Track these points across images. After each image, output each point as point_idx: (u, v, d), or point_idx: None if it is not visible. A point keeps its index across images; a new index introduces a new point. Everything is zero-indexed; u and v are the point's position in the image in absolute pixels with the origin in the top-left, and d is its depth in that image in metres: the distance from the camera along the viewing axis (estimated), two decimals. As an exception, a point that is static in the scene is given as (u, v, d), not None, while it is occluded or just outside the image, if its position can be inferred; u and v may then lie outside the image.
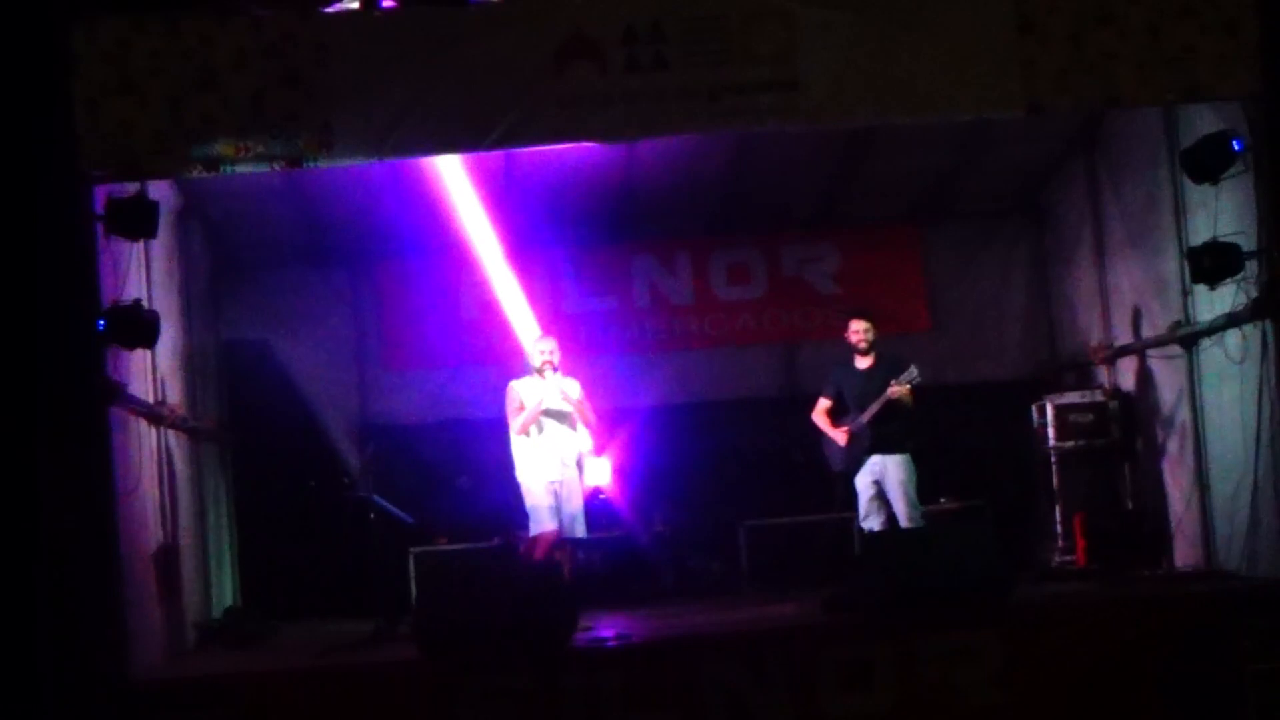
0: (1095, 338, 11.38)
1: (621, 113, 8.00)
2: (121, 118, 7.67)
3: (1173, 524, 10.08)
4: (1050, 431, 10.94)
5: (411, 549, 10.76)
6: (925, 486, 9.73)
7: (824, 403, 9.89)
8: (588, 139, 8.26)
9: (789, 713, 7.66)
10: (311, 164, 8.01)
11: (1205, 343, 9.30)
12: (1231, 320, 8.72)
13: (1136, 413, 10.74)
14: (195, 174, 8.09)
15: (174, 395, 9.77)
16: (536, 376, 9.37)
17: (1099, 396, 10.97)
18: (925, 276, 12.42)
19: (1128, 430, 10.79)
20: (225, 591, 11.23)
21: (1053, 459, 10.98)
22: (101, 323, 7.84)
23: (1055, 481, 10.95)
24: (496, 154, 9.25)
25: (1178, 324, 9.67)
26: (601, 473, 10.99)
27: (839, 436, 9.71)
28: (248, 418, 11.71)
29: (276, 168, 8.04)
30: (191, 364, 10.48)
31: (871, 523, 9.63)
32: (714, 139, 10.02)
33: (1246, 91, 8.08)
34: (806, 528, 11.24)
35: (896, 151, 10.83)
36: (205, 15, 7.82)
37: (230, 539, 11.56)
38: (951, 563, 8.14)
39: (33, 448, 7.36)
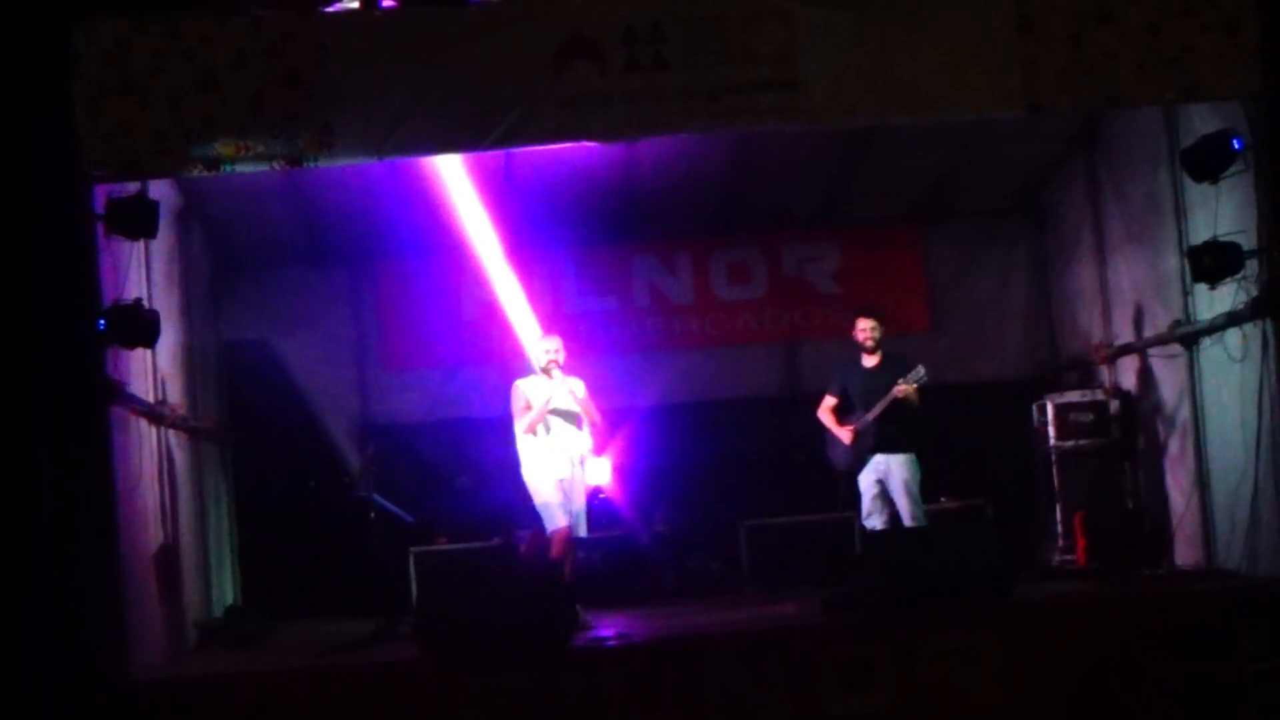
0: (1096, 337, 11.38)
1: (621, 112, 8.00)
2: (122, 118, 7.68)
3: (1173, 523, 10.08)
4: (1050, 431, 10.93)
5: (412, 548, 10.75)
6: (926, 486, 9.73)
7: (829, 400, 9.89)
8: (588, 139, 8.25)
9: (789, 712, 7.66)
10: (312, 164, 8.01)
11: (1206, 342, 9.30)
12: (1232, 319, 8.72)
13: (1137, 412, 10.74)
14: (195, 173, 8.10)
15: (174, 395, 9.77)
16: (542, 376, 9.36)
17: (1099, 396, 10.97)
18: (925, 276, 12.42)
19: (1128, 430, 10.79)
20: (226, 591, 11.24)
21: (1053, 458, 10.97)
22: (102, 322, 7.84)
23: (1055, 481, 10.95)
24: (496, 154, 9.28)
25: (1178, 323, 9.67)
26: (602, 472, 10.98)
27: (844, 434, 9.71)
28: (248, 417, 11.71)
29: (277, 167, 8.05)
30: (192, 363, 10.48)
31: (874, 521, 9.63)
32: (714, 139, 10.02)
33: (1246, 91, 8.09)
34: (807, 527, 11.24)
35: (897, 151, 10.84)
36: (205, 15, 7.82)
37: (230, 538, 11.56)
38: (952, 562, 8.14)
39: (33, 447, 7.37)
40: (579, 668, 7.72)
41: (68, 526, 7.36)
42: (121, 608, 7.66)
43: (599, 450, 10.22)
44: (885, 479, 9.59)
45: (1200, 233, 9.03)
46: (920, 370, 9.46)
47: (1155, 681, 7.69)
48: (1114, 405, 10.86)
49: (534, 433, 9.29)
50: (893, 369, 9.60)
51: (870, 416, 9.55)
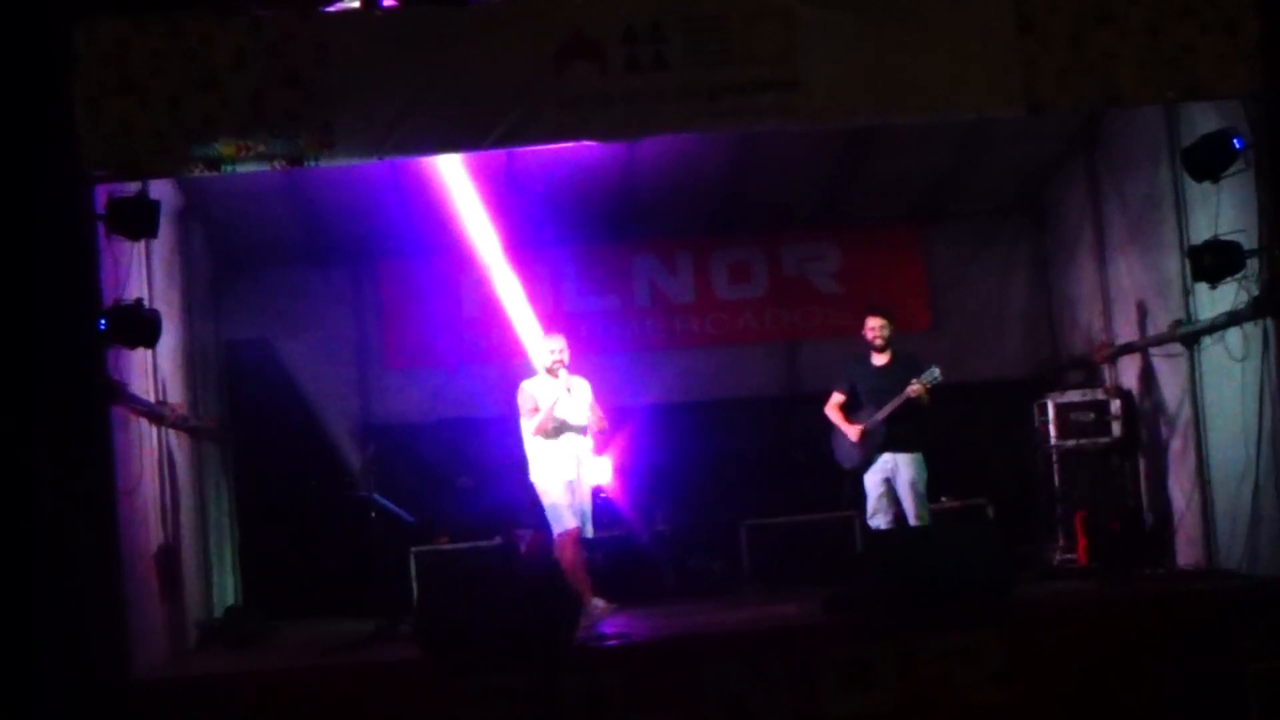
0: (1096, 337, 11.38)
1: (622, 112, 8.00)
2: (122, 118, 7.68)
3: (1174, 523, 10.08)
4: (1051, 430, 10.93)
5: (413, 548, 10.75)
6: (927, 486, 9.73)
7: (837, 397, 9.89)
8: (588, 138, 8.25)
9: (789, 712, 7.65)
10: (312, 163, 8.01)
11: (1206, 341, 9.29)
12: (1233, 318, 8.72)
13: (1138, 411, 10.74)
14: (196, 173, 8.10)
15: (175, 394, 9.77)
16: (547, 376, 9.34)
17: (1100, 395, 10.96)
18: (926, 276, 12.42)
19: (1129, 429, 10.78)
20: (226, 591, 11.24)
21: (1054, 458, 10.98)
22: (103, 322, 7.85)
23: (1056, 480, 10.96)
24: (497, 153, 9.25)
25: (1179, 322, 9.67)
26: (602, 472, 10.98)
27: (852, 432, 9.71)
28: (249, 417, 11.71)
29: (277, 167, 8.05)
30: (192, 363, 10.49)
31: (879, 520, 9.64)
32: (714, 139, 10.01)
33: (1246, 90, 8.09)
34: (807, 527, 11.24)
35: (897, 151, 10.83)
36: (205, 15, 7.82)
37: (231, 538, 11.56)
38: (952, 562, 8.14)
39: (34, 447, 7.36)
40: (579, 667, 7.71)
41: (68, 526, 7.36)
42: (122, 607, 7.66)
43: (600, 450, 10.22)
44: (892, 478, 9.61)
45: (1201, 232, 9.03)
46: (935, 371, 9.47)
47: (1155, 681, 7.68)
48: (1115, 405, 10.85)
49: (544, 434, 9.26)
50: (903, 368, 9.62)
51: (881, 415, 9.55)
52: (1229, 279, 8.52)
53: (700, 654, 7.82)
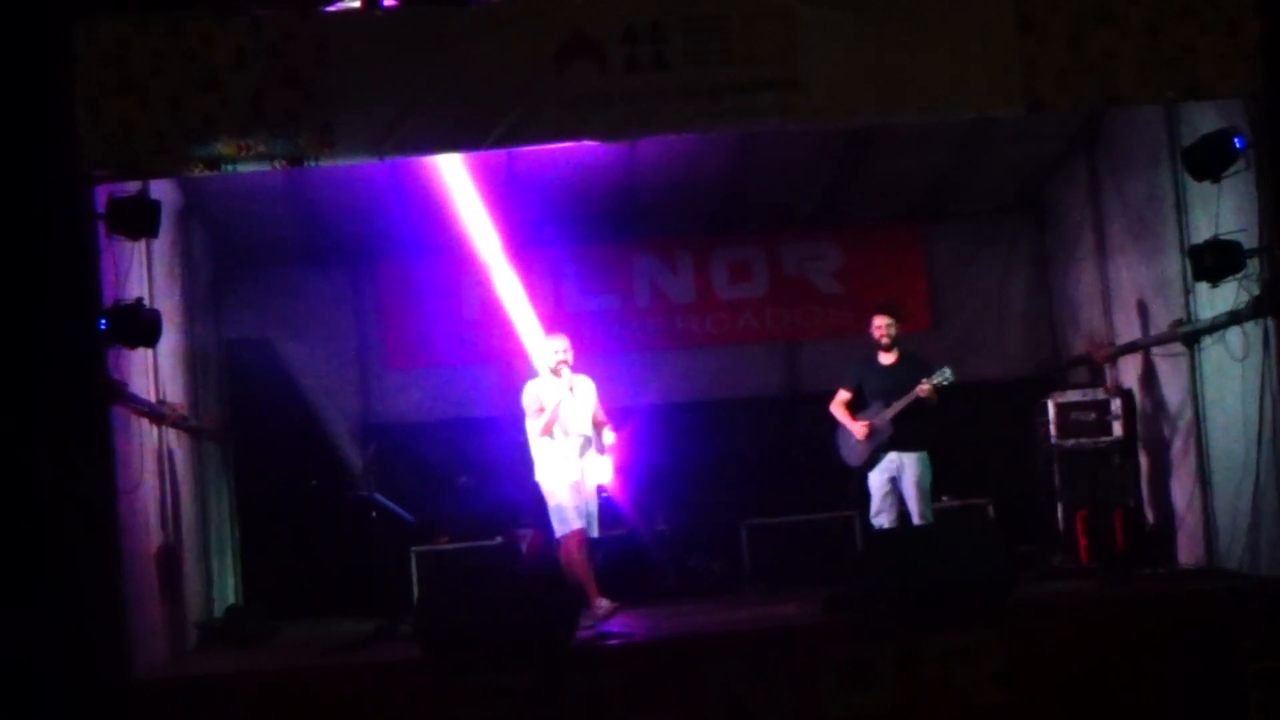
0: (1097, 336, 11.38)
1: (622, 112, 8.00)
2: (122, 118, 7.68)
3: (1174, 522, 10.08)
4: (1052, 430, 10.92)
5: (413, 548, 10.76)
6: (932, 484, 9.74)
7: (843, 395, 9.90)
8: (588, 138, 8.25)
9: (789, 712, 7.66)
10: (312, 163, 8.01)
11: (1207, 340, 9.29)
12: (1233, 318, 8.72)
13: (1138, 411, 10.73)
14: (196, 173, 8.09)
15: (175, 394, 9.78)
16: (551, 376, 9.32)
17: (1101, 395, 10.95)
18: (926, 275, 12.42)
19: (1129, 428, 10.77)
20: (227, 590, 11.24)
21: (1054, 457, 10.97)
22: (103, 322, 7.84)
23: (1057, 480, 10.95)
24: (497, 153, 9.25)
25: (1179, 322, 9.67)
26: (603, 471, 10.97)
27: (858, 429, 9.71)
28: (249, 417, 11.72)
29: (277, 167, 8.05)
30: (193, 363, 10.49)
31: (883, 520, 9.66)
32: (715, 138, 10.02)
33: (1247, 90, 8.09)
34: (808, 527, 11.25)
35: (897, 151, 10.83)
36: (205, 15, 7.82)
37: (232, 538, 11.56)
38: (953, 561, 8.15)
39: (34, 447, 7.37)
40: (580, 667, 7.71)
41: (69, 526, 7.36)
42: (122, 607, 7.65)
43: (601, 450, 10.22)
44: (898, 476, 9.62)
45: (1201, 231, 9.03)
46: (947, 371, 9.47)
47: (1155, 681, 7.68)
48: (1115, 404, 10.84)
49: (550, 435, 9.25)
50: (911, 367, 9.63)
51: (889, 414, 9.55)
52: (1229, 278, 8.52)
53: (700, 654, 7.82)
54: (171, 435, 9.63)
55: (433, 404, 12.11)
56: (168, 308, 9.36)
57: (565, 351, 9.29)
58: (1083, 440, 10.85)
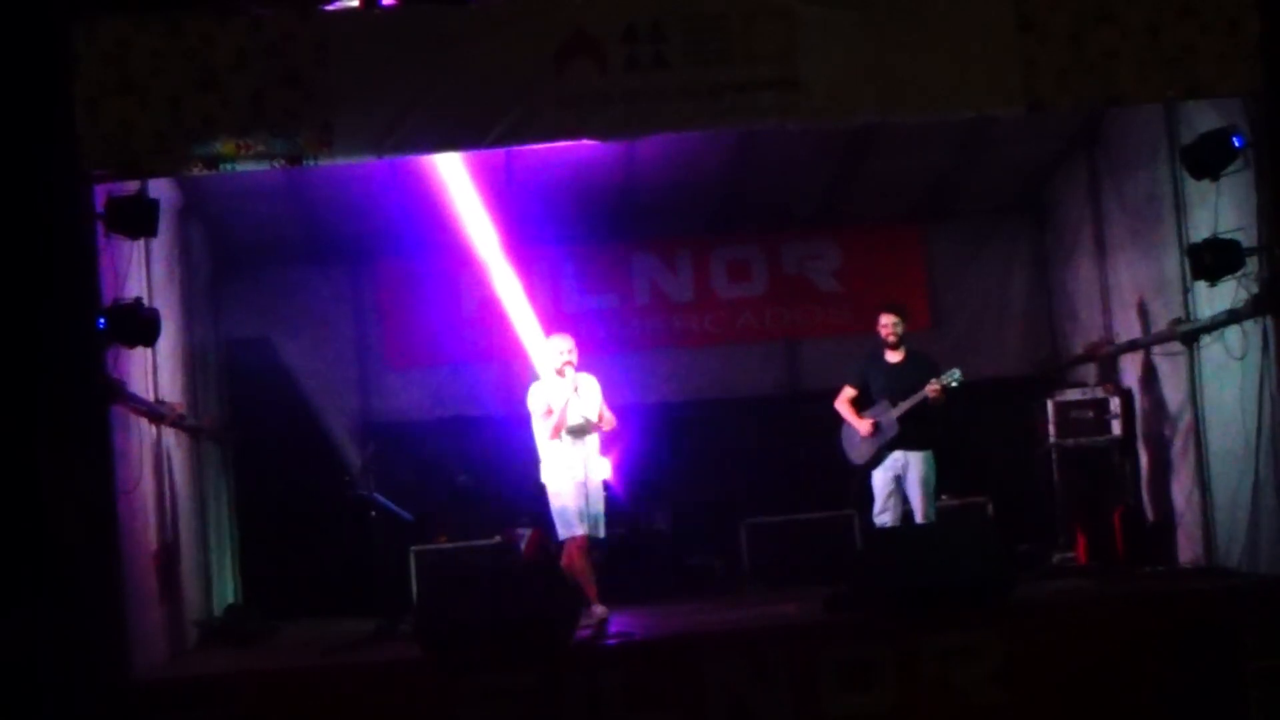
0: (1096, 335, 11.38)
1: (622, 111, 8.00)
2: (122, 117, 7.68)
3: (1174, 521, 10.08)
4: (1051, 429, 10.92)
5: (412, 547, 10.75)
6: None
7: (849, 392, 9.90)
8: (588, 137, 8.25)
9: (790, 711, 7.66)
10: (312, 162, 8.01)
11: (1206, 339, 9.29)
12: (1232, 316, 8.72)
13: (1137, 410, 10.73)
14: (195, 172, 8.09)
15: (175, 394, 9.77)
16: (555, 376, 9.29)
17: (1100, 394, 10.95)
18: (926, 275, 12.42)
19: (1129, 427, 10.77)
20: (226, 590, 11.24)
21: (1053, 456, 10.97)
22: (102, 321, 7.84)
23: (1056, 479, 10.96)
24: (497, 152, 9.26)
25: (1178, 320, 9.67)
26: (603, 471, 10.98)
27: (863, 426, 9.71)
28: (249, 416, 11.71)
29: (277, 166, 8.05)
30: (192, 362, 10.49)
31: (886, 518, 9.67)
32: (714, 137, 10.03)
33: (1247, 89, 8.10)
34: (807, 526, 11.24)
35: (897, 150, 10.82)
36: (205, 15, 7.82)
37: (231, 537, 11.56)
38: (952, 560, 8.15)
39: (34, 446, 7.38)
40: (580, 666, 7.71)
41: (69, 526, 7.37)
42: (122, 607, 7.65)
43: (605, 450, 10.21)
44: (902, 476, 9.63)
45: (1200, 230, 9.03)
46: (956, 373, 9.47)
47: (1155, 680, 7.68)
48: (1114, 403, 10.84)
49: (559, 438, 9.22)
50: (918, 366, 9.64)
51: (896, 413, 9.55)
52: (1228, 277, 8.53)
53: (700, 653, 7.82)
54: (170, 434, 9.63)
55: (432, 403, 12.11)
56: (166, 307, 9.35)
57: (570, 352, 9.25)
58: (1082, 439, 10.85)
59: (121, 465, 8.09)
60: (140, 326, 8.18)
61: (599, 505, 9.27)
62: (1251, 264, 8.41)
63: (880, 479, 9.68)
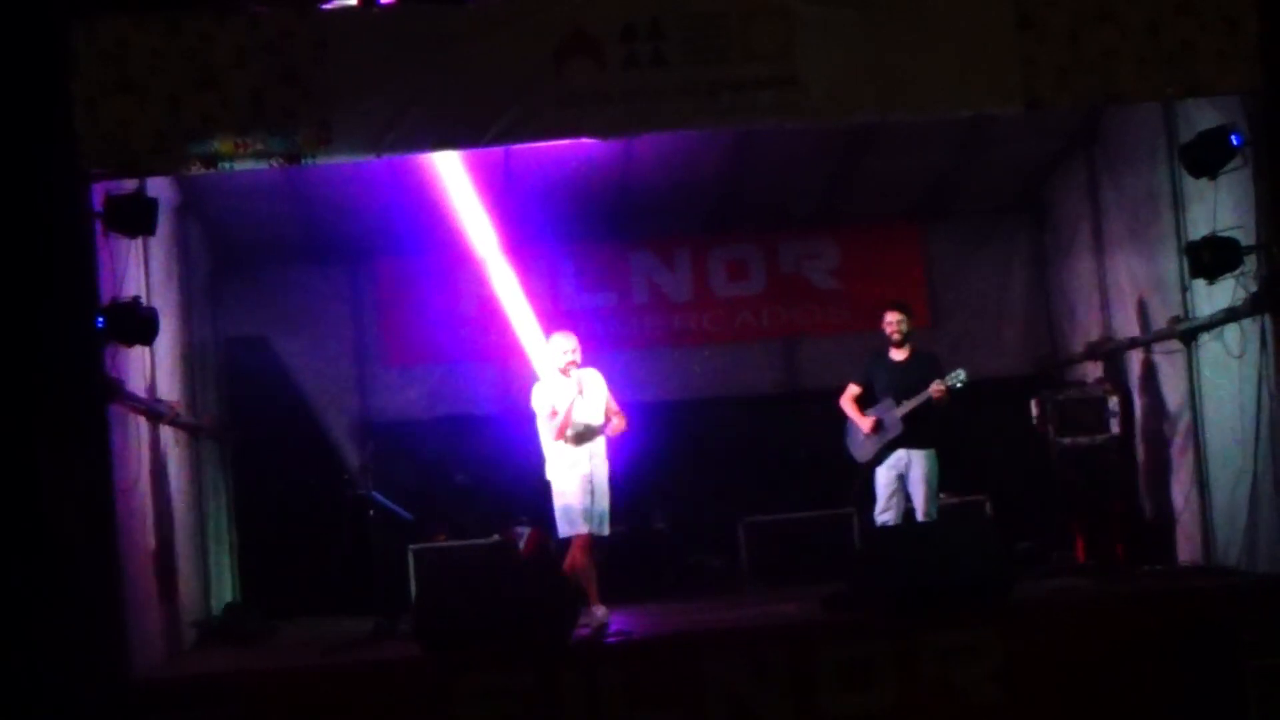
0: (1095, 333, 11.38)
1: (620, 110, 8.00)
2: (121, 116, 7.68)
3: (1172, 519, 10.08)
4: (1050, 427, 10.90)
5: (411, 546, 10.74)
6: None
7: (853, 389, 9.90)
8: (586, 135, 8.26)
9: (789, 710, 7.66)
10: (310, 161, 8.01)
11: (1204, 337, 9.30)
12: (1230, 315, 8.73)
13: (1136, 408, 10.73)
14: (194, 171, 8.09)
15: (173, 392, 9.77)
16: (559, 376, 9.26)
17: (1099, 392, 10.94)
18: (925, 273, 12.42)
19: (1127, 426, 10.76)
20: (225, 589, 11.23)
21: (1052, 455, 10.95)
22: (100, 320, 7.83)
23: (1055, 477, 10.94)
24: (495, 150, 9.26)
25: (1177, 319, 9.68)
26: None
27: (865, 423, 9.71)
28: (247, 415, 11.70)
29: (275, 164, 8.05)
30: (191, 361, 10.48)
31: (888, 516, 9.68)
32: (713, 136, 10.03)
33: (1246, 87, 8.11)
34: (806, 524, 11.24)
35: (896, 149, 10.82)
36: (204, 14, 7.82)
37: (230, 536, 11.55)
38: (951, 559, 8.15)
39: (32, 445, 7.38)
40: (579, 665, 7.71)
41: (67, 524, 7.37)
42: (121, 606, 7.65)
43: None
44: (905, 474, 9.63)
45: (1199, 228, 9.03)
46: (961, 373, 9.47)
47: (1154, 679, 7.69)
48: (1113, 401, 10.82)
49: (564, 438, 9.20)
50: (924, 365, 9.65)
51: (900, 412, 9.55)
52: (1227, 275, 8.54)
53: (700, 652, 7.82)
54: (169, 433, 9.62)
55: (430, 401, 12.10)
56: (165, 306, 9.34)
57: (574, 351, 9.23)
58: (1080, 438, 10.82)
59: (120, 464, 8.07)
60: (138, 325, 8.18)
61: (604, 502, 9.23)
62: (1250, 262, 8.42)
63: (883, 477, 9.69)
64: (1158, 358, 10.27)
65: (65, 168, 7.58)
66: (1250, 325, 8.56)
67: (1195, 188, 9.07)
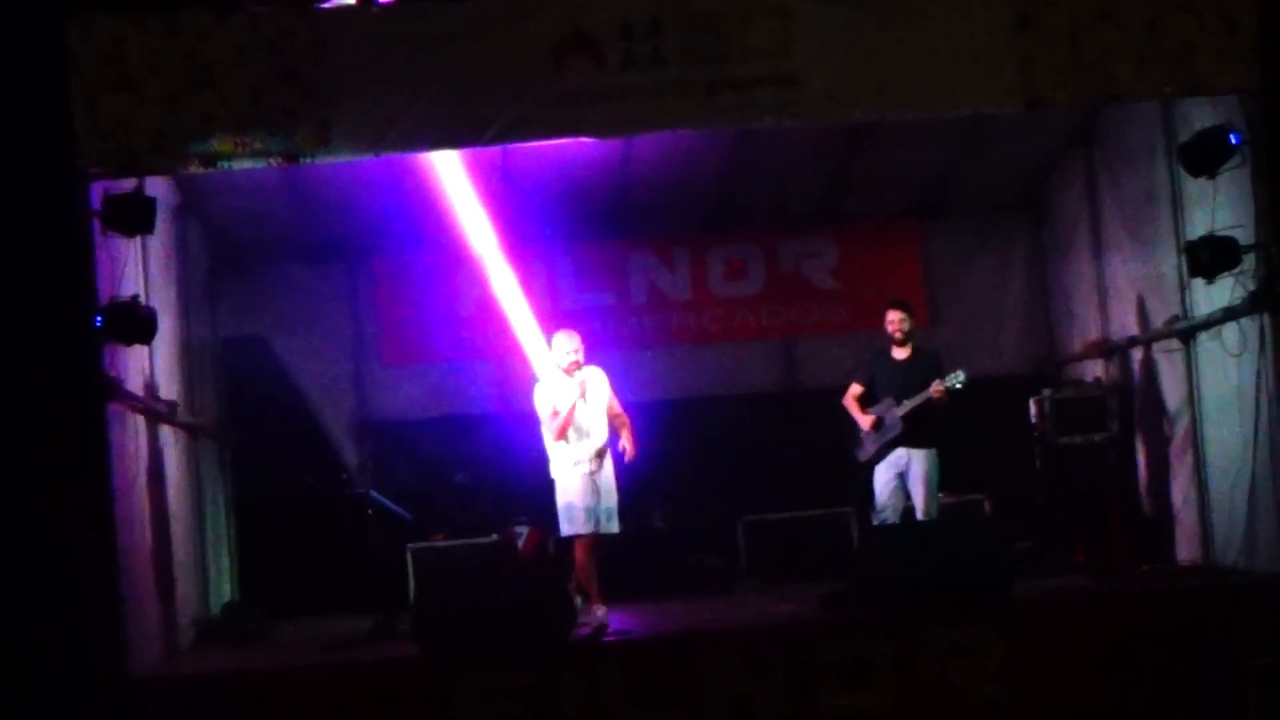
0: (1093, 332, 11.38)
1: (619, 109, 8.00)
2: (120, 116, 7.67)
3: (1172, 518, 10.08)
4: (1049, 426, 10.91)
5: (410, 545, 10.72)
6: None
7: (855, 389, 9.89)
8: (585, 135, 8.26)
9: (789, 709, 7.67)
10: (309, 159, 8.01)
11: (1203, 336, 9.31)
12: (1229, 314, 8.72)
13: (1135, 407, 10.74)
14: (193, 170, 8.10)
15: (172, 391, 9.76)
16: (562, 375, 9.24)
17: (1097, 391, 10.96)
18: (924, 272, 12.41)
19: (1126, 425, 10.78)
20: (224, 588, 11.23)
21: (1051, 453, 10.96)
22: (99, 319, 7.82)
23: (1053, 476, 10.95)
24: (494, 149, 9.26)
25: (1176, 318, 9.68)
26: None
27: (865, 422, 9.71)
28: (246, 414, 11.71)
29: (274, 163, 8.04)
30: (189, 360, 10.47)
31: (888, 515, 9.67)
32: (712, 135, 10.03)
33: (1245, 86, 8.10)
34: (804, 523, 11.24)
35: (895, 148, 10.82)
36: (203, 13, 7.82)
37: (229, 535, 11.55)
38: (950, 558, 8.16)
39: (31, 444, 7.36)
40: (578, 664, 7.71)
41: (66, 523, 7.35)
42: (120, 605, 7.64)
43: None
44: (905, 472, 9.63)
45: (1197, 228, 9.03)
46: (960, 374, 9.46)
47: (1154, 678, 7.70)
48: (1112, 400, 10.84)
49: (566, 439, 9.17)
50: (925, 365, 9.64)
51: (900, 412, 9.54)
52: (1225, 274, 8.54)
53: (699, 651, 7.82)
54: (167, 432, 9.62)
55: (429, 401, 12.10)
56: (163, 304, 9.33)
57: (577, 351, 9.21)
58: (1079, 436, 10.83)
59: (118, 463, 8.07)
60: (137, 324, 8.18)
61: (611, 499, 9.21)
62: (1248, 261, 8.42)
63: (883, 476, 9.68)
64: (1156, 357, 10.27)
65: (64, 167, 7.57)
66: (1249, 324, 8.56)
67: (1194, 187, 9.07)
